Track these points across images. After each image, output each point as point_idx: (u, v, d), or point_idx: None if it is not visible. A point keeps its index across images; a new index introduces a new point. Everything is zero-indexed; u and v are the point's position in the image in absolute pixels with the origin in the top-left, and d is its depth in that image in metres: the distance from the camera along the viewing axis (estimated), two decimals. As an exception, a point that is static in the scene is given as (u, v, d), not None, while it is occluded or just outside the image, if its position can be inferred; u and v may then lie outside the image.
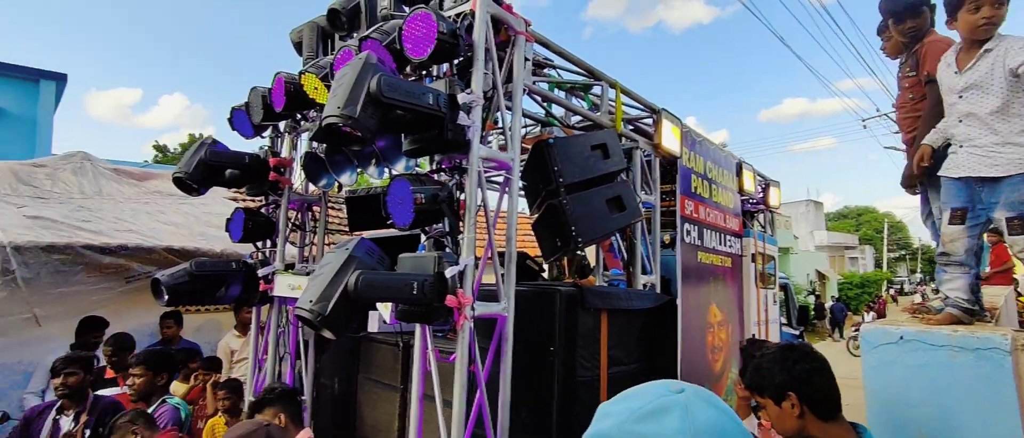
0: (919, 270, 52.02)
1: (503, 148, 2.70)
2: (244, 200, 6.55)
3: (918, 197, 2.98)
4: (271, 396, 2.69)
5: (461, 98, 2.34)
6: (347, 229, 3.99)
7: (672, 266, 4.29)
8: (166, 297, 3.19)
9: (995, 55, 2.10)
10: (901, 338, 2.03)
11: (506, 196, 2.71)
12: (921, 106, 2.66)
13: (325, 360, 3.89)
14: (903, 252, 54.24)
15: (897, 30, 2.70)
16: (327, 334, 2.14)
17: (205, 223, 5.75)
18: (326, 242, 4.06)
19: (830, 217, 48.85)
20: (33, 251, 4.26)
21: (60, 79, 13.11)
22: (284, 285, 3.45)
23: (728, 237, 5.16)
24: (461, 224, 2.44)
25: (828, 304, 22.69)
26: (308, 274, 3.33)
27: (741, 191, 5.49)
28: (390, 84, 2.06)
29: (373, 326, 3.74)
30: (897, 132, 3.08)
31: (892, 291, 35.19)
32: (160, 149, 25.77)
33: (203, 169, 3.37)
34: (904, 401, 1.95)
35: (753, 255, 5.53)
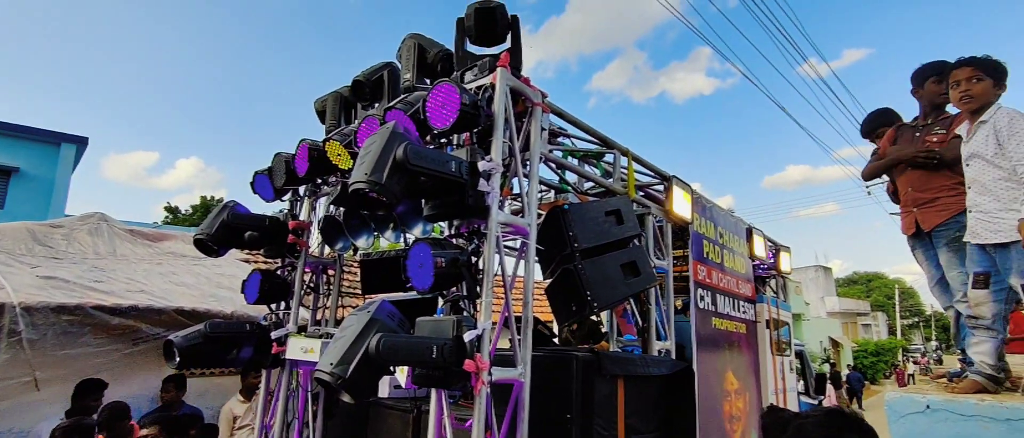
0: (934, 337, 50.70)
1: (516, 213, 2.76)
2: (257, 262, 6.59)
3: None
4: None
5: (481, 166, 2.42)
6: (360, 292, 3.99)
7: (686, 332, 4.24)
8: (178, 359, 3.16)
9: (989, 126, 2.19)
10: (928, 407, 1.99)
11: (522, 261, 2.74)
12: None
13: (333, 426, 3.78)
14: (916, 319, 53.13)
15: (939, 88, 2.78)
16: (346, 398, 2.11)
17: (216, 284, 5.76)
18: (338, 304, 4.06)
19: (840, 283, 48.23)
20: (43, 311, 4.25)
21: (81, 142, 13.56)
22: (296, 348, 3.42)
23: (742, 303, 5.12)
24: (478, 288, 2.45)
25: (844, 373, 21.98)
26: (320, 337, 3.32)
27: (752, 256, 5.51)
28: (416, 152, 2.15)
29: (383, 391, 3.67)
30: None
31: (909, 360, 34.06)
32: (171, 210, 26.19)
33: (224, 231, 3.44)
34: (941, 475, 1.89)
35: (767, 321, 5.46)
